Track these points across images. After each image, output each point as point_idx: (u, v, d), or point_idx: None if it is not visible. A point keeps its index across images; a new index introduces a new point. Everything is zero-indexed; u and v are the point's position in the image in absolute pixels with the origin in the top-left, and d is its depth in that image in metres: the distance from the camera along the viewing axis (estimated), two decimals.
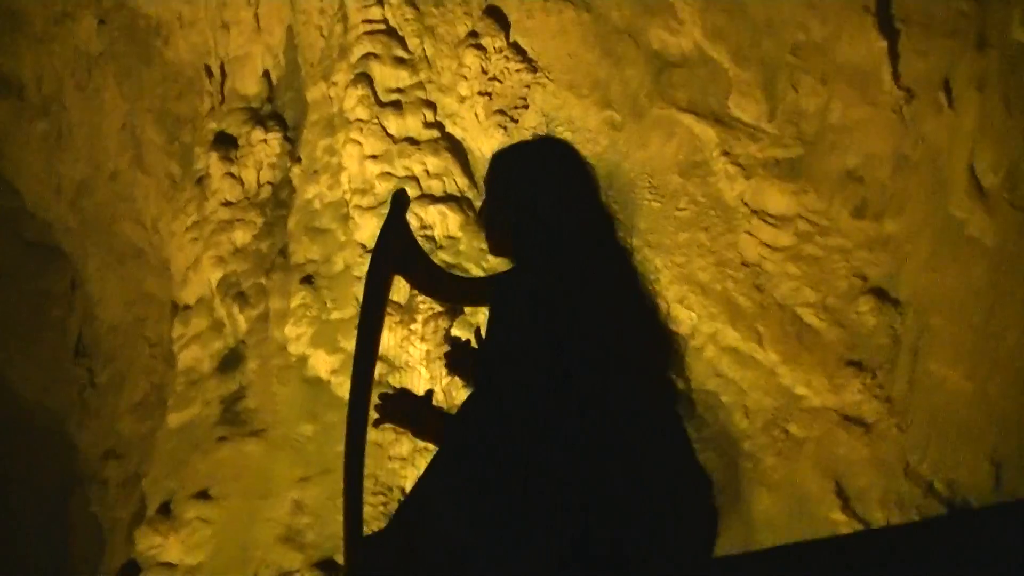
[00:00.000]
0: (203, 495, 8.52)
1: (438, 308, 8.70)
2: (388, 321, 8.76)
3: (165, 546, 8.44)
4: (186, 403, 9.16)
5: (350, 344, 8.73)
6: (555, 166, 3.06)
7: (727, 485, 8.21)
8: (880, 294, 8.64)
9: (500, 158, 3.36)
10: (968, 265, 8.52)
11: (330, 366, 8.70)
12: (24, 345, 9.83)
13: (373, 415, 3.32)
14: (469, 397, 3.20)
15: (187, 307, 9.52)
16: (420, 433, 3.22)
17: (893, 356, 8.45)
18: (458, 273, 8.56)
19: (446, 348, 8.63)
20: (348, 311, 8.79)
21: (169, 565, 8.39)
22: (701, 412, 8.48)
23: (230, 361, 9.12)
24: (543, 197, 3.03)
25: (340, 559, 8.01)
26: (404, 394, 3.34)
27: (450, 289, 3.52)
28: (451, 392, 8.59)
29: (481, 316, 8.29)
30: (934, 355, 8.52)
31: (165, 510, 8.61)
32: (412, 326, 8.67)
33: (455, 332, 8.69)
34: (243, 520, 8.37)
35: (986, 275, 8.53)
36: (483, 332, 3.66)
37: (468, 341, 3.64)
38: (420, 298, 8.73)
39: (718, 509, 3.00)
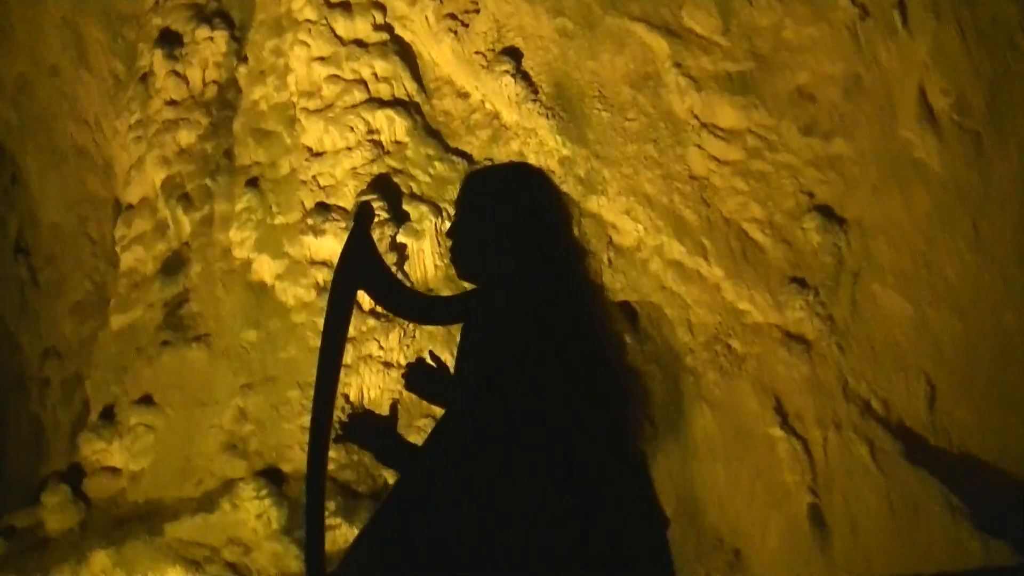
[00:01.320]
0: (146, 401, 8.46)
1: (384, 216, 8.65)
2: (333, 228, 8.74)
3: (109, 451, 8.39)
4: (129, 305, 9.05)
5: (295, 250, 8.69)
6: (530, 193, 3.02)
7: (669, 402, 8.27)
8: (826, 212, 8.67)
9: (474, 179, 3.32)
10: (914, 191, 8.57)
11: (274, 271, 8.62)
12: None
13: (335, 432, 3.30)
14: (445, 422, 3.17)
15: (130, 207, 9.36)
16: (383, 459, 3.19)
17: (836, 276, 8.52)
18: (410, 211, 8.51)
19: (392, 257, 8.59)
20: (293, 216, 8.71)
21: (113, 470, 8.34)
22: (645, 325, 8.52)
23: (173, 264, 9.00)
24: (517, 224, 3.00)
25: (284, 467, 8.02)
26: (370, 416, 3.31)
27: (415, 306, 3.47)
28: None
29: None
30: (876, 278, 8.59)
31: (108, 415, 8.55)
32: None
33: (401, 239, 8.65)
34: (186, 428, 8.32)
35: (931, 202, 8.59)
36: (444, 355, 3.62)
37: (425, 360, 3.59)
38: None
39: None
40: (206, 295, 8.77)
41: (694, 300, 8.55)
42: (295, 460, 8.02)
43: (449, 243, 3.31)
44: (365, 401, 8.33)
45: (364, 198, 3.99)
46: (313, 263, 8.65)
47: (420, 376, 3.69)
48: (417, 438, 3.59)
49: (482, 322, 3.12)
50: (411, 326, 8.45)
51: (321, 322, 8.46)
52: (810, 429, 8.16)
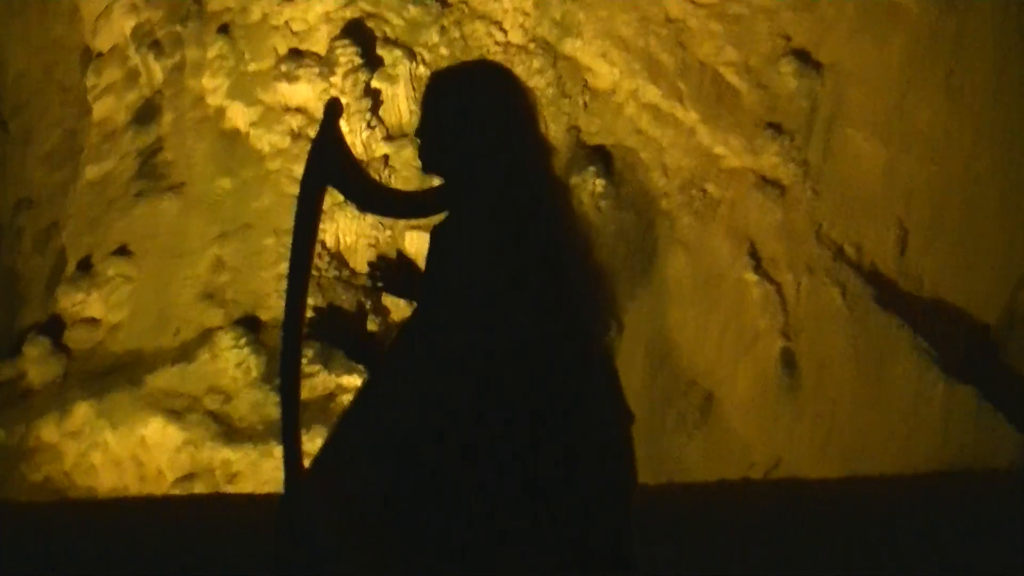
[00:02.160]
0: (122, 251, 8.46)
1: (358, 61, 8.58)
2: (307, 74, 8.68)
3: (87, 303, 8.43)
4: (102, 156, 8.98)
5: (268, 96, 8.63)
6: (496, 91, 2.98)
7: (642, 247, 8.32)
8: (802, 57, 8.62)
9: (439, 79, 3.26)
10: (890, 35, 8.50)
11: (248, 119, 8.57)
12: None
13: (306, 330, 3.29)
14: (412, 323, 3.17)
15: (100, 55, 9.22)
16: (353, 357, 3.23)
17: (811, 121, 8.50)
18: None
19: (366, 102, 8.54)
20: (266, 62, 8.62)
21: (92, 321, 8.39)
22: (620, 169, 8.52)
23: (146, 113, 8.91)
24: (486, 124, 2.96)
25: (262, 315, 8.08)
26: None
27: (386, 202, 3.42)
28: (370, 145, 8.56)
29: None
30: (851, 123, 8.56)
31: (85, 267, 8.56)
32: (332, 79, 8.56)
33: (375, 84, 8.59)
34: (163, 278, 8.35)
35: (906, 47, 8.52)
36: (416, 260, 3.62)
37: (395, 261, 3.58)
38: (340, 50, 8.60)
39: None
40: (179, 144, 8.72)
41: (669, 144, 8.55)
42: (273, 308, 8.07)
43: (418, 141, 3.29)
44: (341, 247, 8.39)
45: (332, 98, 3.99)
46: (287, 110, 8.61)
47: (389, 271, 3.69)
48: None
49: (451, 221, 3.12)
50: (386, 171, 8.46)
51: (296, 170, 8.51)
52: (783, 273, 8.23)
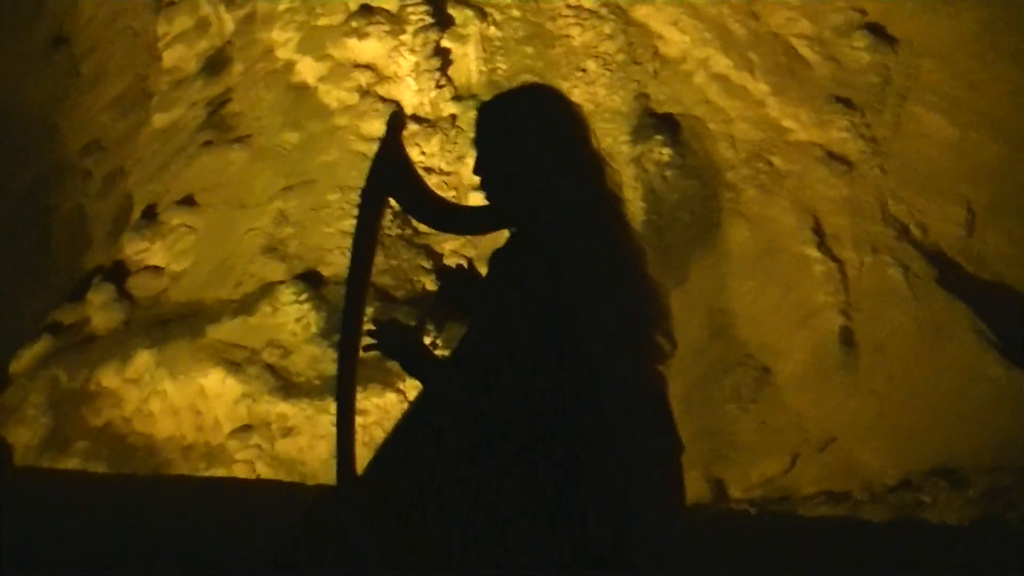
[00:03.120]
0: (187, 201, 8.54)
1: (429, 20, 8.56)
2: (377, 31, 8.66)
3: (151, 251, 8.51)
4: (171, 104, 9.05)
5: (338, 52, 8.65)
6: (549, 112, 3.00)
7: (704, 215, 8.29)
8: (876, 31, 8.53)
9: (494, 103, 3.29)
10: (964, 10, 8.40)
11: (317, 73, 8.59)
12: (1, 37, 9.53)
13: (365, 341, 3.31)
14: (462, 351, 3.19)
15: (172, 3, 9.26)
16: (407, 370, 3.21)
17: (882, 96, 8.42)
18: None
19: (436, 61, 8.52)
20: (336, 17, 8.64)
21: (156, 269, 8.47)
22: (687, 138, 8.48)
23: (215, 63, 8.95)
24: (540, 146, 2.98)
25: (324, 271, 8.12)
26: (394, 326, 3.29)
27: (444, 217, 3.42)
28: (438, 104, 8.55)
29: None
30: (921, 99, 8.46)
31: (150, 215, 8.64)
32: (402, 36, 8.55)
33: (445, 43, 8.57)
34: (226, 229, 8.42)
35: (980, 23, 8.42)
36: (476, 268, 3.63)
37: (460, 267, 3.59)
38: (410, 8, 8.58)
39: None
40: (247, 95, 8.76)
41: (737, 115, 8.49)
42: (334, 264, 8.12)
43: (475, 155, 3.30)
44: None
45: (395, 110, 3.96)
46: (356, 66, 8.62)
47: (450, 281, 3.72)
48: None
49: (510, 242, 3.15)
50: (453, 133, 8.45)
51: (363, 126, 8.54)
52: (846, 250, 8.17)
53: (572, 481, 2.93)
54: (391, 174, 3.40)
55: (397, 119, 3.46)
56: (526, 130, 3.10)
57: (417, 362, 3.24)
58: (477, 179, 3.22)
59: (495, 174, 3.16)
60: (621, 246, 3.11)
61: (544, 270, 2.96)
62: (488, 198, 3.22)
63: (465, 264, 3.80)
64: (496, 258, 3.20)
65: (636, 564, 2.98)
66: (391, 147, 3.41)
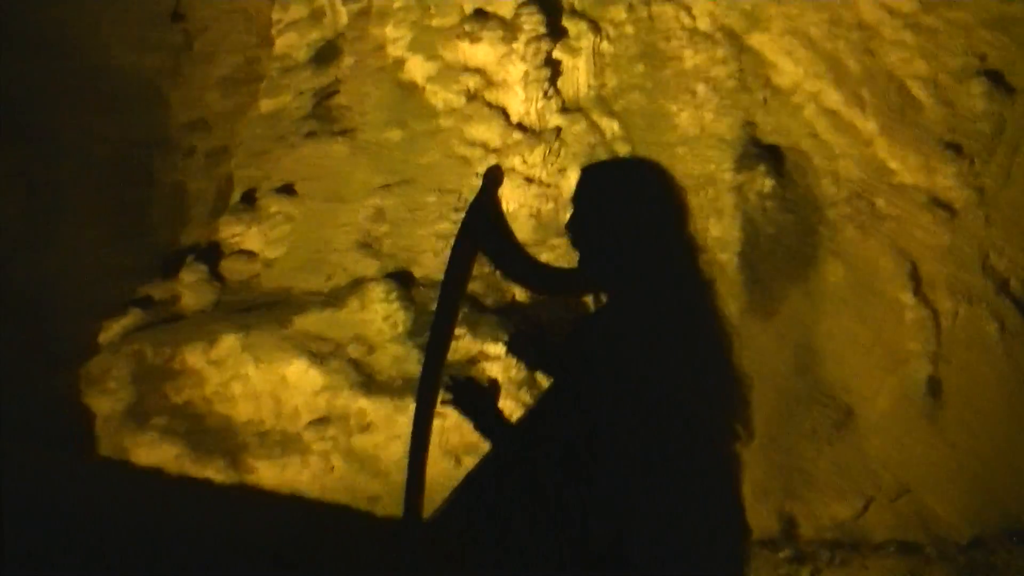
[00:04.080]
0: (287, 190, 8.60)
1: (542, 30, 8.54)
2: (490, 36, 8.66)
3: (247, 236, 8.59)
4: (278, 90, 9.12)
5: (448, 53, 8.66)
6: (650, 189, 2.99)
7: (800, 250, 8.21)
8: (994, 78, 8.39)
9: (596, 170, 3.30)
10: None
11: (426, 73, 8.61)
12: (122, 6, 9.57)
13: (443, 396, 3.33)
14: (533, 414, 3.22)
15: None
16: (480, 430, 3.22)
17: (993, 146, 8.29)
18: None
19: (546, 72, 8.50)
20: (450, 19, 8.65)
21: (249, 254, 8.54)
22: (790, 171, 8.41)
23: (326, 54, 9.01)
24: (637, 222, 2.98)
25: (415, 271, 8.14)
26: (472, 386, 3.29)
27: (533, 275, 3.42)
28: (544, 116, 8.53)
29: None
30: None
31: (249, 199, 8.71)
32: (514, 44, 8.54)
33: (557, 54, 8.55)
34: (323, 221, 8.47)
35: None
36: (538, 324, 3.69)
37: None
38: (525, 16, 8.56)
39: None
40: (355, 89, 8.80)
41: (843, 152, 8.39)
42: (426, 265, 8.15)
43: (569, 232, 3.30)
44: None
45: (494, 164, 4.00)
46: (466, 69, 8.64)
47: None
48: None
49: (596, 314, 3.16)
50: (557, 144, 8.44)
51: (467, 130, 8.56)
52: (941, 299, 8.05)
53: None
54: (484, 228, 3.40)
55: (494, 174, 3.47)
56: (627, 202, 3.10)
57: (490, 427, 3.27)
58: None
59: (589, 239, 3.16)
60: (710, 329, 3.11)
61: (629, 347, 2.95)
62: (581, 259, 3.22)
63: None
64: (581, 330, 3.21)
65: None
66: (486, 201, 3.42)
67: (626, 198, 3.14)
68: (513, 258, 3.43)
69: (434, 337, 3.56)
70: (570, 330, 3.38)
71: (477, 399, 3.35)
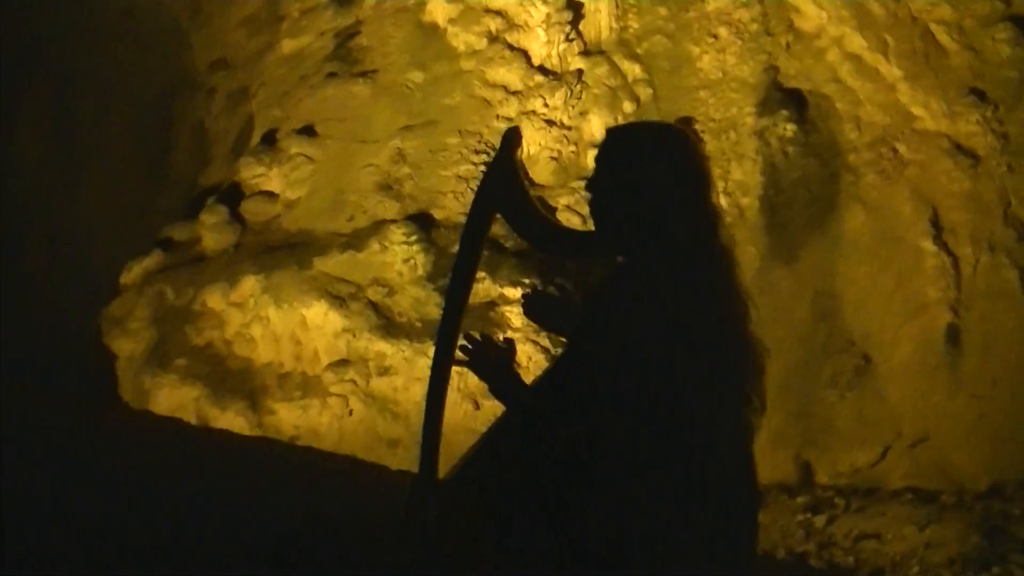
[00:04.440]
0: (307, 131, 8.58)
1: None
2: None
3: (268, 177, 8.59)
4: (300, 31, 9.07)
5: None
6: (671, 154, 2.97)
7: (822, 196, 8.17)
8: (1021, 24, 8.29)
9: (617, 135, 3.27)
10: None
11: (447, 14, 8.56)
12: None
13: (457, 356, 3.32)
14: (548, 376, 3.21)
15: None
16: (495, 392, 3.21)
17: (1019, 92, 8.21)
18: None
19: (567, 14, 8.44)
20: None
21: (270, 195, 8.54)
22: (812, 116, 8.35)
23: None
24: (658, 185, 2.95)
25: (436, 214, 8.13)
26: (488, 345, 3.28)
27: (551, 238, 3.41)
28: (566, 58, 8.48)
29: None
30: None
31: (270, 140, 8.70)
32: None
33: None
34: (344, 162, 8.46)
35: None
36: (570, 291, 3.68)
37: (548, 291, 3.64)
38: None
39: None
40: (376, 31, 8.76)
41: (867, 97, 8.32)
42: (447, 208, 8.16)
43: (588, 194, 3.28)
44: (524, 156, 8.34)
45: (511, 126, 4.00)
46: (487, 11, 8.60)
47: (541, 305, 3.72)
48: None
49: (612, 276, 3.15)
50: (578, 88, 8.40)
51: (489, 73, 8.52)
52: (962, 246, 8.00)
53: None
54: (503, 189, 3.40)
55: (513, 135, 3.47)
56: (648, 168, 3.09)
57: (504, 388, 3.26)
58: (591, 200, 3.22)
59: (608, 204, 3.15)
60: (727, 297, 3.10)
61: (644, 312, 2.95)
62: (597, 225, 3.22)
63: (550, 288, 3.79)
64: (597, 292, 3.21)
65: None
66: (505, 162, 3.42)
67: (645, 165, 3.12)
68: (530, 221, 3.43)
69: (450, 305, 3.57)
70: (583, 299, 3.38)
71: (493, 360, 3.34)
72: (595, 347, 3.04)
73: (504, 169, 3.43)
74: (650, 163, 3.13)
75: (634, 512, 2.96)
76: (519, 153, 3.48)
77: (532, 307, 3.66)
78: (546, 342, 7.33)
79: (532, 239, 3.53)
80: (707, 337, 3.01)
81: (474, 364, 3.32)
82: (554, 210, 8.11)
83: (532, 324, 7.79)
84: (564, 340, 3.50)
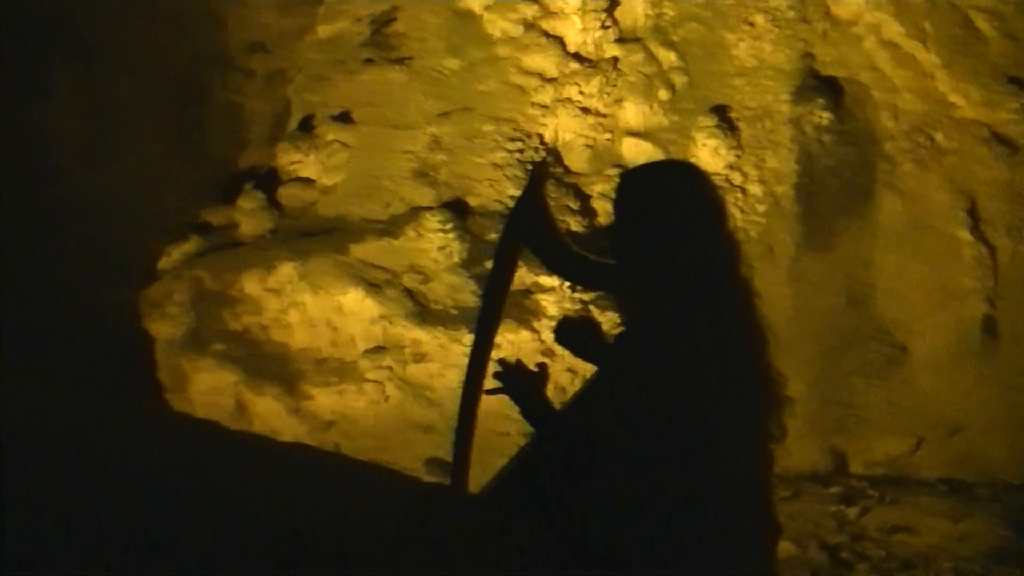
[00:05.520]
0: (344, 117, 8.58)
1: None
2: None
3: (304, 163, 8.59)
4: (336, 15, 9.05)
5: None
6: (687, 188, 3.02)
7: (856, 184, 8.16)
8: None
9: (636, 175, 3.33)
10: None
11: (483, 1, 8.54)
12: None
13: (489, 384, 3.36)
14: (580, 400, 3.25)
15: None
16: (526, 416, 3.26)
17: None
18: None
19: (603, 1, 8.43)
20: None
21: (307, 181, 8.55)
22: (848, 104, 8.33)
23: None
24: (676, 219, 3.00)
25: (471, 201, 8.15)
26: (520, 370, 3.31)
27: (580, 271, 3.45)
28: (601, 45, 8.47)
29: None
30: None
31: (307, 127, 8.71)
32: None
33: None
34: (380, 149, 8.45)
35: None
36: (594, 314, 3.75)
37: (582, 318, 3.70)
38: None
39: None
40: (413, 17, 8.74)
41: (904, 85, 8.30)
42: (482, 195, 8.17)
43: (614, 215, 3.33)
44: (559, 143, 8.38)
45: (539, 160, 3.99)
46: None
47: (573, 332, 3.76)
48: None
49: (640, 306, 3.19)
50: (614, 75, 8.40)
51: (524, 59, 8.54)
52: (999, 237, 8.00)
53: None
54: (530, 223, 3.45)
55: (541, 169, 3.55)
56: (667, 202, 3.15)
57: (535, 414, 3.31)
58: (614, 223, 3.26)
59: (628, 240, 3.20)
60: (746, 329, 3.15)
61: (667, 344, 3.00)
62: (618, 259, 3.27)
63: (582, 316, 3.84)
64: (625, 325, 3.26)
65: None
66: (533, 197, 3.47)
67: (665, 203, 3.18)
68: (557, 254, 3.48)
69: (480, 329, 3.62)
70: (612, 337, 3.44)
71: (525, 386, 3.39)
72: (620, 378, 3.09)
73: (531, 203, 3.48)
74: (666, 199, 3.18)
75: (662, 537, 3.01)
76: (545, 187, 3.54)
77: (564, 334, 3.70)
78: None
79: (558, 271, 3.59)
80: (728, 368, 3.06)
81: (506, 388, 3.37)
82: (588, 197, 8.14)
83: (569, 312, 7.85)
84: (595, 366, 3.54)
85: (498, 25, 8.56)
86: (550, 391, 3.49)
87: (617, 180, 3.41)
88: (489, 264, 3.87)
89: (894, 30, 8.32)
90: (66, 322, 8.04)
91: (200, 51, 9.41)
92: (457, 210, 8.10)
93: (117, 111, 9.19)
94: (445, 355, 7.66)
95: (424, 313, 7.78)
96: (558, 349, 4.18)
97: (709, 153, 8.08)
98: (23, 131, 8.30)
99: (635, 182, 3.30)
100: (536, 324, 7.54)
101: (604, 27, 8.48)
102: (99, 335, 8.17)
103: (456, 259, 7.89)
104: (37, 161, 9.00)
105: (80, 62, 8.78)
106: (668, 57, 8.40)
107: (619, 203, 3.25)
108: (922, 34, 8.27)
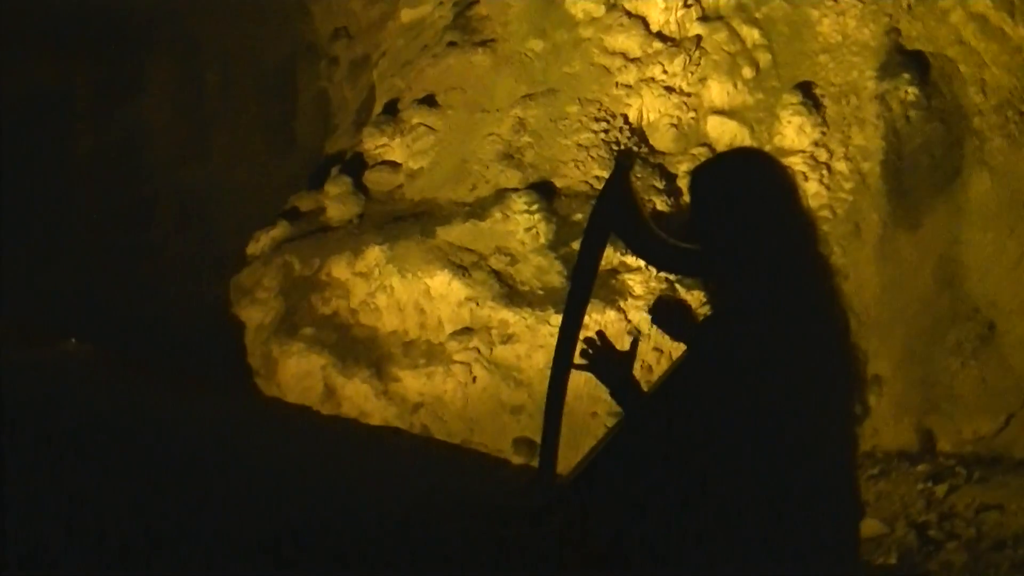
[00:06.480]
0: (429, 101, 8.66)
1: None
2: None
3: (390, 147, 8.68)
4: (419, 1, 9.14)
5: None
6: (761, 176, 3.04)
7: (946, 161, 8.07)
8: None
9: (711, 165, 3.36)
10: None
11: None
12: None
13: (577, 360, 3.39)
14: (669, 381, 3.26)
15: None
16: (615, 397, 3.28)
17: None
18: None
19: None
20: None
21: (393, 165, 8.64)
22: (935, 79, 8.24)
23: None
24: (752, 206, 3.02)
25: (557, 182, 8.18)
26: (609, 351, 3.33)
27: (666, 257, 3.46)
28: (684, 24, 8.45)
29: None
30: None
31: (392, 111, 8.79)
32: None
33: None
34: (465, 132, 8.53)
35: None
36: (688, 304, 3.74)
37: (675, 299, 3.72)
38: None
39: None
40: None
41: (992, 59, 8.19)
42: (568, 176, 8.19)
43: (694, 203, 3.35)
44: (643, 123, 8.38)
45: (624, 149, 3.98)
46: None
47: (668, 312, 3.78)
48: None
49: (727, 291, 3.22)
50: (697, 54, 8.38)
51: (607, 40, 8.53)
52: None
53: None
54: (617, 209, 3.47)
55: (626, 158, 3.57)
56: (749, 187, 3.17)
57: (623, 393, 3.34)
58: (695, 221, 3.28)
59: (714, 223, 3.22)
60: (828, 312, 3.16)
61: (754, 328, 3.02)
62: (703, 246, 3.29)
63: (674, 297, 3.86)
64: (712, 308, 3.29)
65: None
66: (619, 184, 3.49)
67: (746, 188, 3.20)
68: (644, 240, 3.50)
69: (568, 316, 3.65)
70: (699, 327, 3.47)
71: (613, 364, 3.42)
72: (709, 361, 3.12)
73: (618, 189, 3.50)
74: (748, 184, 3.21)
75: (751, 518, 3.03)
76: (632, 173, 3.57)
77: (659, 314, 3.73)
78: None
79: (646, 257, 3.60)
80: (813, 350, 3.08)
81: (594, 368, 3.40)
82: (674, 177, 8.13)
83: (655, 291, 7.85)
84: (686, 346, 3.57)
85: (580, 6, 8.57)
86: (637, 370, 3.51)
87: (697, 168, 3.44)
88: (575, 245, 3.92)
89: (982, 3, 8.19)
90: (167, 315, 8.22)
91: (287, 42, 9.55)
92: (543, 191, 8.14)
93: (208, 103, 9.35)
94: (532, 336, 7.71)
95: (511, 294, 7.84)
96: (644, 328, 4.22)
97: (794, 131, 8.04)
98: (123, 127, 8.50)
99: (716, 169, 3.34)
100: (623, 304, 7.56)
101: (687, 5, 8.45)
102: (198, 327, 8.34)
103: (543, 240, 7.93)
104: (132, 155, 9.21)
105: (172, 57, 8.95)
106: (752, 35, 8.35)
107: (702, 190, 3.28)
108: (1010, 6, 8.15)
